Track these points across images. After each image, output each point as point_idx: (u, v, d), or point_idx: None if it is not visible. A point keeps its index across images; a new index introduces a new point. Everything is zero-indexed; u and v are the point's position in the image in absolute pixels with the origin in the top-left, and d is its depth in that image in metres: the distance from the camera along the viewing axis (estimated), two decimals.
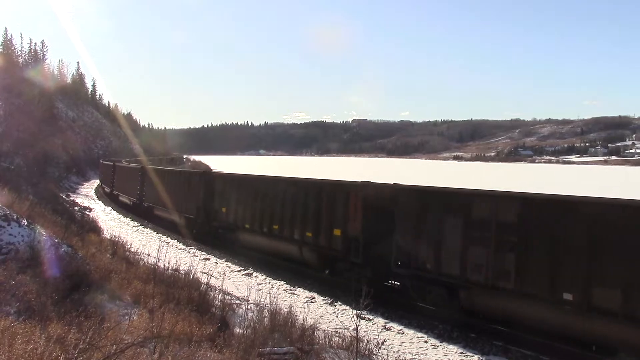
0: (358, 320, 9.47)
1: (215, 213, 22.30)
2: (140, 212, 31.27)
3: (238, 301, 12.71)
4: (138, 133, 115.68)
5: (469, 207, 11.85)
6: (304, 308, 12.46)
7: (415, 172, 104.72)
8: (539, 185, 58.85)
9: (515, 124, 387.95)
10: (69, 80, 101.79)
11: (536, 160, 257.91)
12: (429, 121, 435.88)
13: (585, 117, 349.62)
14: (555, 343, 10.55)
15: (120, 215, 32.34)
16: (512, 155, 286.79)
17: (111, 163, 44.93)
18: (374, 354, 9.74)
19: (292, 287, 15.71)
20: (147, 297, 9.54)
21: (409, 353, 10.75)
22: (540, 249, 10.45)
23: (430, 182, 20.35)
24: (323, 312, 13.21)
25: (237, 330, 9.43)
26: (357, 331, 8.88)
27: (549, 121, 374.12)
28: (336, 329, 11.31)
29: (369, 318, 12.57)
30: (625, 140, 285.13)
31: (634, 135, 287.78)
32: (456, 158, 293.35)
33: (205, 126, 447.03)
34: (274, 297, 11.60)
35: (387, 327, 12.32)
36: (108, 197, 41.98)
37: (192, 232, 23.68)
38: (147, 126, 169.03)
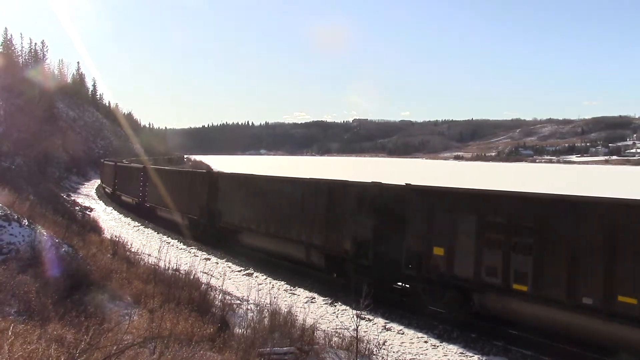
0: (358, 320, 9.49)
1: (411, 255, 13.23)
2: (207, 235, 22.75)
3: (238, 301, 12.72)
4: (139, 133, 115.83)
5: None
6: (304, 308, 12.48)
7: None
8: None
9: (515, 124, 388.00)
10: (69, 80, 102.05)
11: (537, 160, 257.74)
12: (429, 121, 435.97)
13: (586, 117, 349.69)
14: (555, 343, 10.58)
15: (121, 215, 32.36)
16: (513, 155, 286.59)
17: (139, 166, 35.69)
18: (374, 354, 9.75)
19: (292, 287, 15.72)
20: (148, 297, 9.57)
21: (409, 353, 10.76)
22: None
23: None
24: (323, 312, 13.21)
25: (237, 330, 9.44)
26: (357, 331, 8.90)
27: (549, 121, 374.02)
28: (336, 329, 11.32)
29: (369, 318, 12.58)
30: (626, 140, 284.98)
31: (635, 135, 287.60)
32: (457, 158, 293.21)
33: (206, 126, 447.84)
34: (274, 297, 11.62)
35: (387, 327, 12.33)
36: (133, 210, 33.25)
37: (336, 275, 15.82)
38: (147, 126, 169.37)
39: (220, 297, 11.58)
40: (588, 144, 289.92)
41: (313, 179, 17.97)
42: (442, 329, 12.06)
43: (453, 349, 11.00)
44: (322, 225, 15.99)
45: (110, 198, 40.85)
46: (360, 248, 14.63)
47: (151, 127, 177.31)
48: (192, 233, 23.42)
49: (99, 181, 55.32)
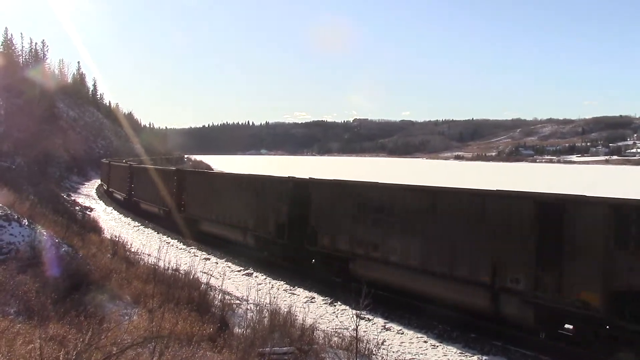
0: (358, 320, 9.49)
1: None
2: (290, 259, 17.98)
3: (238, 301, 12.74)
4: (139, 133, 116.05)
5: None
6: (304, 308, 12.50)
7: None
8: None
9: (516, 124, 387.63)
10: (69, 80, 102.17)
11: (537, 160, 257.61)
12: (430, 121, 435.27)
13: (587, 117, 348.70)
14: (555, 343, 10.59)
15: (121, 215, 32.37)
16: (513, 155, 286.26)
17: (170, 168, 31.90)
18: (374, 354, 9.76)
19: (292, 287, 15.73)
20: (147, 297, 9.58)
21: (409, 353, 10.77)
22: None
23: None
24: (323, 312, 13.23)
25: (237, 330, 9.46)
26: (356, 331, 8.89)
27: (550, 121, 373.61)
28: (336, 329, 11.34)
29: (368, 318, 12.59)
30: (627, 140, 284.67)
31: (635, 135, 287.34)
32: (457, 158, 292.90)
33: (207, 126, 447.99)
34: (274, 297, 11.62)
35: (386, 327, 12.34)
36: (158, 221, 28.27)
37: (544, 335, 11.16)
38: (148, 126, 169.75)
39: (219, 297, 11.58)
40: (588, 144, 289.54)
41: (503, 191, 12.39)
42: (442, 329, 12.07)
43: (453, 349, 11.01)
44: (528, 259, 10.91)
45: (123, 206, 35.90)
46: (627, 303, 9.56)
47: (151, 127, 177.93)
48: (262, 255, 19.24)
49: (99, 181, 55.29)
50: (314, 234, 16.63)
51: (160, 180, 28.79)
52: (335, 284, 15.30)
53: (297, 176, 19.29)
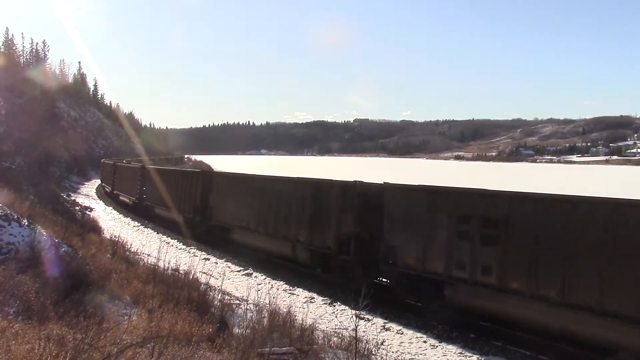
0: (357, 320, 9.50)
1: None
2: (355, 281, 13.98)
3: (237, 301, 12.75)
4: (140, 133, 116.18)
5: None
6: (303, 308, 12.50)
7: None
8: None
9: (516, 124, 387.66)
10: (70, 80, 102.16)
11: (537, 160, 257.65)
12: (430, 121, 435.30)
13: (587, 117, 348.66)
14: (555, 343, 10.58)
15: (120, 215, 32.38)
16: (514, 155, 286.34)
17: (195, 170, 29.96)
18: (373, 354, 9.76)
19: (291, 287, 15.73)
20: (147, 297, 9.59)
21: (408, 353, 10.78)
22: None
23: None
24: (322, 312, 13.24)
25: (236, 330, 9.46)
26: (356, 331, 8.90)
27: (550, 121, 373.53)
28: (335, 329, 11.34)
29: (368, 318, 12.59)
30: (627, 140, 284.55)
31: (636, 135, 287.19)
32: (458, 158, 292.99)
33: (207, 126, 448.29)
34: (273, 297, 11.62)
35: (386, 327, 12.34)
36: (171, 228, 25.90)
37: None
38: (148, 126, 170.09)
39: (219, 297, 11.60)
40: (589, 144, 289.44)
41: None
42: (441, 329, 12.07)
43: (452, 349, 11.01)
44: None
45: (131, 210, 34.11)
46: None
47: (152, 127, 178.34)
48: (315, 272, 16.58)
49: (99, 181, 55.33)
50: (392, 250, 13.81)
51: (180, 184, 26.28)
52: (336, 284, 15.26)
53: (365, 180, 16.36)
